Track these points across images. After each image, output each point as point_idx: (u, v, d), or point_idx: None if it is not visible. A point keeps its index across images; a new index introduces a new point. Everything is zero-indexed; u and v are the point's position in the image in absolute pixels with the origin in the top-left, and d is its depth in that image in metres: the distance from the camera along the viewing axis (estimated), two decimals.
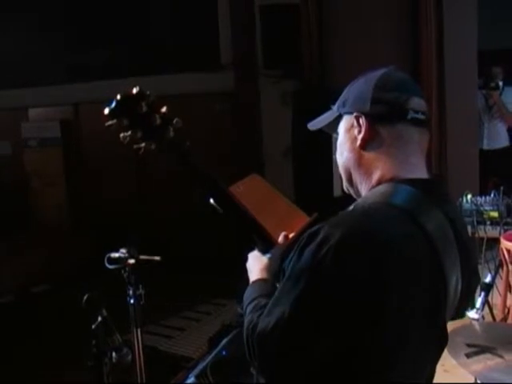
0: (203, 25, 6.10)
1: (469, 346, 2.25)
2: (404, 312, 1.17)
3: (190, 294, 4.81)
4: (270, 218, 1.67)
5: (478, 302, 2.69)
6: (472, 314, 2.61)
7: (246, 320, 1.27)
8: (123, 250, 2.41)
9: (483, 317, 2.68)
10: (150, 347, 3.70)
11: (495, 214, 3.85)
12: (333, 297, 1.13)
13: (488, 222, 3.86)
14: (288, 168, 5.48)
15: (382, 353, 1.18)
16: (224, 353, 2.61)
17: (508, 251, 3.67)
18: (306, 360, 1.18)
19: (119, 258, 2.41)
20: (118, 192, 6.26)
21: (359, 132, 1.32)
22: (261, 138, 5.90)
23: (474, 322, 2.56)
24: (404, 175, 1.29)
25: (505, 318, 3.83)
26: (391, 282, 1.14)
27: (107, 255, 2.41)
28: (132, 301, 2.44)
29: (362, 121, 1.31)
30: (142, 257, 2.45)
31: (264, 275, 1.45)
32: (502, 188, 3.94)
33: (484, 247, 3.72)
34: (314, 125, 1.48)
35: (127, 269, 2.42)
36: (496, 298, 3.71)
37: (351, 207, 1.28)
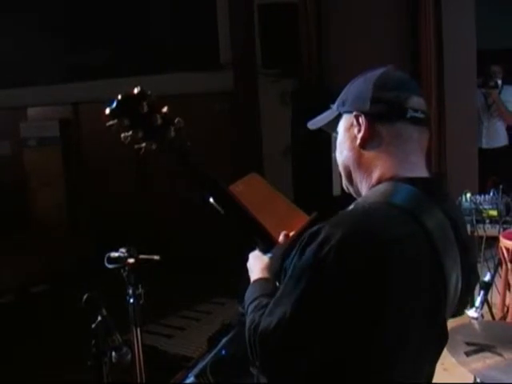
0: (202, 24, 6.10)
1: (468, 344, 2.25)
2: (404, 312, 1.18)
3: (190, 293, 4.81)
4: (270, 217, 1.67)
5: (478, 300, 2.69)
6: (471, 312, 2.61)
7: (248, 319, 1.28)
8: (123, 250, 2.42)
9: (482, 315, 2.68)
10: (150, 347, 3.71)
11: (494, 213, 3.85)
12: (334, 296, 1.13)
13: (487, 221, 3.86)
14: (287, 167, 5.48)
15: (382, 352, 1.19)
16: (224, 352, 2.61)
17: (507, 250, 3.67)
18: (308, 359, 1.18)
19: (119, 257, 2.41)
20: (117, 191, 6.26)
21: (359, 131, 1.32)
22: (260, 138, 5.91)
23: (474, 321, 2.57)
24: (404, 174, 1.29)
25: (504, 317, 3.83)
26: (392, 281, 1.15)
27: (107, 255, 2.41)
28: (131, 300, 2.44)
29: (362, 120, 1.31)
30: (142, 256, 2.45)
31: (265, 274, 1.45)
32: (501, 187, 3.94)
33: (483, 246, 3.72)
34: (314, 124, 1.48)
35: (127, 268, 2.42)
36: (495, 296, 3.72)
37: (351, 206, 1.28)
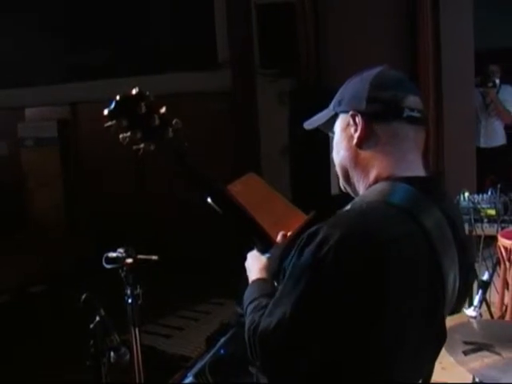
0: (200, 24, 6.10)
1: (466, 343, 2.25)
2: (403, 311, 1.18)
3: (188, 293, 4.81)
4: (268, 217, 1.67)
5: (476, 299, 2.69)
6: (470, 311, 2.61)
7: (248, 320, 1.28)
8: (121, 250, 2.41)
9: (481, 314, 2.68)
10: (148, 347, 3.70)
11: (492, 212, 3.85)
12: (333, 296, 1.14)
13: (485, 220, 3.86)
14: (285, 167, 5.49)
15: (381, 352, 1.19)
16: (222, 352, 2.61)
17: (505, 249, 3.67)
18: (308, 359, 1.18)
19: (117, 257, 2.40)
20: (115, 192, 6.25)
21: (355, 130, 1.32)
22: (258, 137, 5.90)
23: (472, 320, 2.57)
24: (401, 173, 1.29)
25: (502, 316, 3.83)
26: (390, 281, 1.15)
27: (105, 255, 2.41)
28: (130, 300, 2.44)
29: (358, 119, 1.31)
30: (140, 256, 2.45)
31: (263, 275, 1.45)
32: (499, 186, 3.94)
33: (481, 245, 3.72)
34: (311, 123, 1.48)
35: (125, 268, 2.42)
36: (494, 295, 3.72)
37: (349, 206, 1.28)
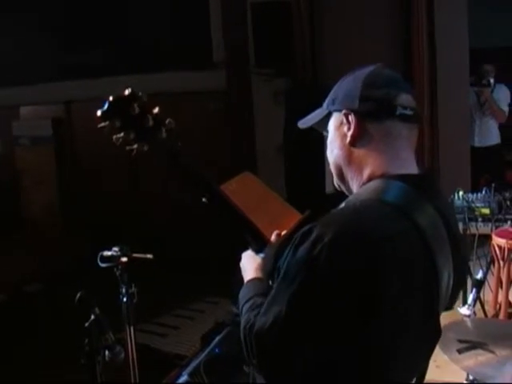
0: (195, 23, 6.08)
1: (460, 341, 2.26)
2: (398, 310, 1.18)
3: (183, 292, 4.81)
4: (263, 216, 1.67)
5: (470, 298, 2.70)
6: (464, 310, 2.62)
7: (243, 319, 1.28)
8: (116, 249, 2.41)
9: (475, 313, 2.69)
10: (143, 345, 3.70)
11: (487, 211, 3.86)
12: (327, 295, 1.14)
13: (479, 219, 3.87)
14: (280, 166, 5.48)
15: (376, 350, 1.19)
16: (217, 350, 2.61)
17: (499, 248, 3.69)
18: (303, 358, 1.19)
19: (112, 256, 2.40)
20: (110, 190, 6.24)
21: (348, 129, 1.33)
22: (253, 136, 5.90)
23: (466, 318, 2.58)
24: (394, 171, 1.29)
25: (496, 314, 3.85)
26: (385, 279, 1.15)
27: (100, 253, 2.41)
28: (125, 299, 2.44)
29: (351, 118, 1.32)
30: (135, 255, 2.45)
31: (259, 274, 1.45)
32: (493, 185, 3.95)
33: (475, 244, 3.74)
34: (305, 123, 1.48)
35: (120, 267, 2.42)
36: (488, 294, 3.73)
37: (343, 204, 1.29)
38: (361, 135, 1.32)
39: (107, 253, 2.41)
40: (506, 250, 3.64)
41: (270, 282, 1.40)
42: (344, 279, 1.13)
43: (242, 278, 1.49)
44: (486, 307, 3.68)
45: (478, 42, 5.78)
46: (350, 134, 1.32)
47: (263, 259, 1.50)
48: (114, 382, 2.38)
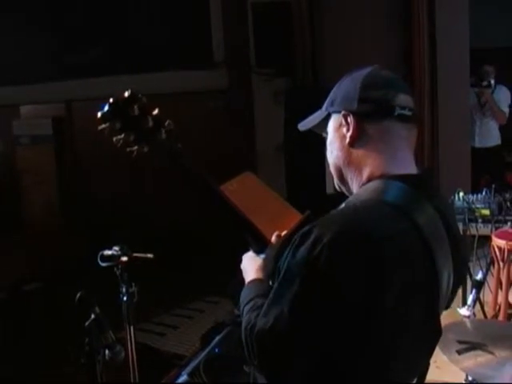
0: (196, 23, 6.09)
1: (460, 342, 2.26)
2: (398, 311, 1.18)
3: (183, 291, 4.81)
4: (263, 217, 1.67)
5: (470, 299, 2.70)
6: (463, 311, 2.62)
7: (244, 320, 1.28)
8: (116, 248, 2.41)
9: (474, 314, 2.70)
10: (143, 345, 3.70)
11: (487, 212, 3.87)
12: (328, 295, 1.14)
13: (479, 220, 3.87)
14: (281, 165, 5.49)
15: (377, 350, 1.20)
16: (217, 350, 2.61)
17: (499, 249, 3.69)
18: (304, 358, 1.19)
19: (112, 255, 2.40)
20: (110, 189, 6.24)
21: (347, 130, 1.33)
22: (254, 136, 5.91)
23: (466, 319, 2.58)
24: (393, 171, 1.30)
25: (496, 315, 3.85)
26: (385, 280, 1.15)
27: (100, 253, 2.41)
28: (125, 298, 2.44)
29: (350, 119, 1.32)
30: (135, 254, 2.45)
31: (259, 275, 1.45)
32: (493, 186, 3.96)
33: (475, 245, 3.74)
34: (304, 125, 1.49)
35: (120, 266, 2.42)
36: (487, 295, 3.74)
37: (342, 205, 1.29)
38: (360, 136, 1.32)
39: (107, 252, 2.41)
40: (506, 251, 3.64)
41: (271, 283, 1.40)
42: (344, 279, 1.13)
43: (241, 280, 1.49)
44: (486, 308, 3.68)
45: (479, 42, 5.78)
46: (349, 135, 1.33)
47: (264, 260, 1.50)
48: (114, 382, 2.38)
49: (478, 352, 2.21)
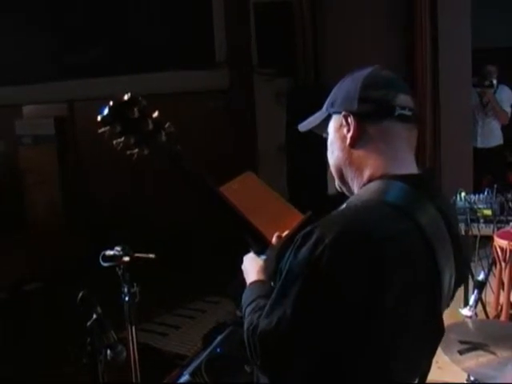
0: (197, 23, 6.09)
1: (462, 342, 2.26)
2: (399, 311, 1.18)
3: (185, 291, 4.81)
4: (264, 217, 1.67)
5: (472, 299, 2.70)
6: (465, 311, 2.62)
7: (246, 321, 1.28)
8: (118, 248, 2.42)
9: (476, 314, 2.69)
10: (145, 345, 3.70)
11: (489, 212, 3.86)
12: (330, 296, 1.14)
13: (481, 220, 3.86)
14: (282, 166, 5.49)
15: (379, 350, 1.20)
16: (218, 350, 2.61)
17: (501, 249, 3.69)
18: (307, 358, 1.19)
19: (114, 255, 2.41)
20: (112, 189, 6.25)
21: (348, 131, 1.33)
22: (255, 136, 5.91)
23: (468, 320, 2.58)
24: (394, 171, 1.30)
25: (497, 316, 3.85)
26: (387, 280, 1.15)
27: (102, 253, 2.41)
28: (126, 298, 2.44)
29: (351, 120, 1.32)
30: (137, 254, 2.45)
31: (261, 276, 1.45)
32: (495, 186, 3.95)
33: (477, 245, 3.73)
34: (305, 126, 1.48)
35: (122, 266, 2.42)
36: (489, 295, 3.73)
37: (343, 205, 1.29)
38: (360, 136, 1.32)
39: (109, 252, 2.41)
40: (508, 251, 3.64)
41: (273, 284, 1.40)
42: (346, 279, 1.14)
43: (241, 281, 1.49)
44: (488, 308, 3.68)
45: (481, 42, 5.77)
46: (349, 135, 1.33)
47: (265, 261, 1.50)
48: (115, 382, 2.39)
49: (480, 352, 2.21)
